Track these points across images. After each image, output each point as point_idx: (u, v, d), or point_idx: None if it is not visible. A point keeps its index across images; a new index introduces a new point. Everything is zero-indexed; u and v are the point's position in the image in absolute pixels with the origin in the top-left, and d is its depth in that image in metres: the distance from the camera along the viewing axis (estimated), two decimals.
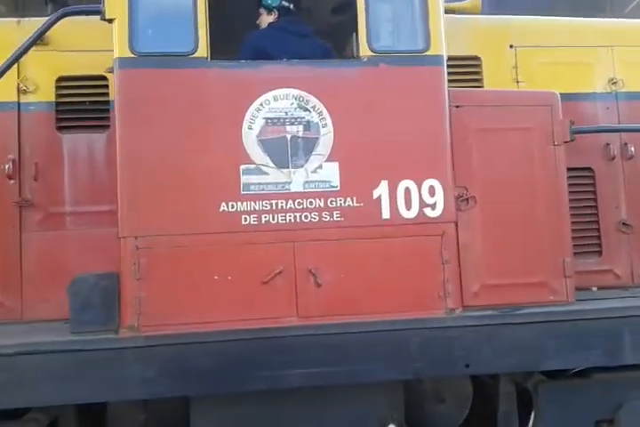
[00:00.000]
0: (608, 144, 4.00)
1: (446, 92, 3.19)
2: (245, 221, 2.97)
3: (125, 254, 2.90)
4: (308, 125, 3.05)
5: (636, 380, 3.29)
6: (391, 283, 3.03)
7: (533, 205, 3.26)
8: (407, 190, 3.08)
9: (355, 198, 3.05)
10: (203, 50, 3.04)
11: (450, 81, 3.79)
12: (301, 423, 3.14)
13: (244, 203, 2.97)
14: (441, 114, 3.16)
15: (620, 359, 3.12)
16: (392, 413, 3.14)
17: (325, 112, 3.07)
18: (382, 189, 3.06)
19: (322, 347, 2.92)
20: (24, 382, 2.79)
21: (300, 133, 3.05)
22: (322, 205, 3.02)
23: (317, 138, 3.05)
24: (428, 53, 3.17)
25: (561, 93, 3.84)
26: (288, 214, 3.00)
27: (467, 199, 3.20)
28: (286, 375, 2.89)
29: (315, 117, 3.06)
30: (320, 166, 3.04)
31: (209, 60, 3.05)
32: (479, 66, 4.02)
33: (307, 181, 3.03)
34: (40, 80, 3.66)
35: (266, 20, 3.43)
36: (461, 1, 4.04)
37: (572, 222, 3.82)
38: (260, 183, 3.00)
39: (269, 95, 3.04)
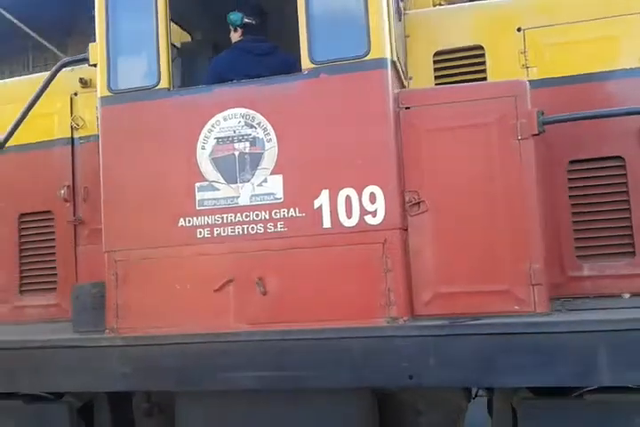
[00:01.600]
0: None
1: (390, 96, 3.10)
2: (200, 234, 3.26)
3: (107, 266, 3.39)
4: (254, 142, 3.23)
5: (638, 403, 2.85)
6: (334, 291, 3.06)
7: (493, 206, 3.00)
8: (347, 198, 3.08)
9: (297, 209, 3.14)
10: (165, 81, 3.39)
11: (451, 75, 3.70)
12: (274, 424, 3.31)
13: (199, 218, 3.26)
14: (383, 118, 3.09)
15: (592, 380, 2.74)
16: (363, 421, 3.15)
17: (270, 127, 3.22)
18: (323, 199, 3.11)
19: (267, 352, 3.08)
20: (41, 371, 3.42)
21: (247, 150, 3.23)
22: (267, 216, 3.18)
23: (262, 153, 3.21)
24: (367, 58, 3.12)
25: (579, 74, 3.48)
26: (237, 227, 3.21)
27: (417, 204, 3.08)
28: (238, 378, 3.10)
29: (260, 133, 3.23)
30: (265, 180, 3.20)
31: (170, 90, 3.40)
32: (482, 55, 3.76)
33: (253, 195, 3.21)
34: (87, 116, 4.35)
35: (233, 37, 3.66)
36: None
37: (597, 220, 3.44)
38: (212, 199, 3.26)
39: (220, 116, 3.29)
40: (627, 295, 3.41)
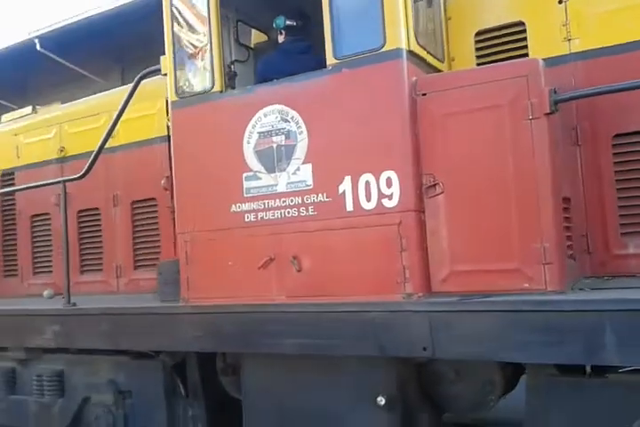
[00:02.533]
0: None
1: (407, 84, 3.26)
2: (247, 218, 3.71)
3: (180, 246, 3.99)
4: (288, 134, 3.59)
5: None
6: (357, 269, 3.35)
7: (506, 187, 3.06)
8: (367, 183, 3.32)
9: (325, 194, 3.46)
10: (218, 85, 3.87)
11: (492, 54, 3.75)
12: (313, 384, 3.69)
13: (246, 204, 3.71)
14: (399, 107, 3.26)
15: (598, 359, 2.75)
16: (384, 387, 3.43)
17: (301, 121, 3.55)
18: (346, 184, 3.38)
19: (302, 322, 3.47)
20: (134, 333, 4.15)
21: (283, 142, 3.60)
22: (300, 201, 3.53)
23: (295, 144, 3.56)
24: (383, 50, 3.30)
25: (624, 43, 3.37)
26: (276, 211, 3.62)
27: (434, 186, 3.23)
28: (279, 344, 3.54)
29: (293, 127, 3.57)
30: (298, 169, 3.55)
31: (222, 92, 3.86)
32: (524, 31, 3.71)
33: (288, 182, 3.58)
34: None
35: (279, 40, 4.01)
36: None
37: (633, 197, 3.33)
38: (256, 187, 3.69)
39: (261, 113, 3.69)
40: None
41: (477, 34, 3.83)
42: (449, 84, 3.23)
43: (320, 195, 3.46)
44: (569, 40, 3.56)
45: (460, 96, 3.18)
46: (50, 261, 5.76)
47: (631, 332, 2.64)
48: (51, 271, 5.75)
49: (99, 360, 4.62)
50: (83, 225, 5.58)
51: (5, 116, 6.55)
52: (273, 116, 3.63)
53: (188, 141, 4.00)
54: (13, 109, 7.43)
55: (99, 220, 5.49)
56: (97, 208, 5.49)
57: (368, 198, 3.31)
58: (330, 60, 3.47)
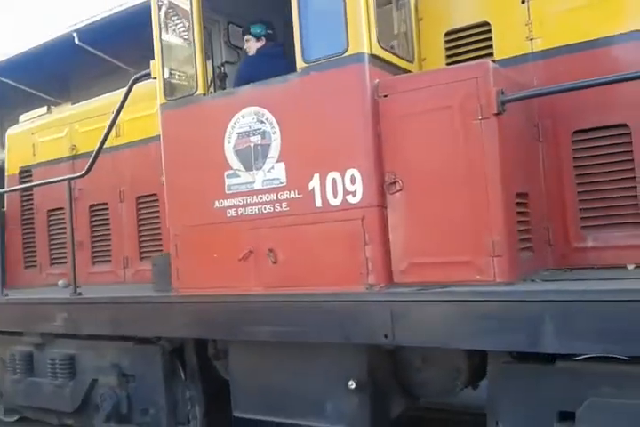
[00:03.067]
0: None
1: (369, 87, 3.45)
2: (229, 213, 3.97)
3: (170, 239, 4.28)
4: (263, 134, 3.82)
5: (605, 373, 2.95)
6: (326, 261, 3.57)
7: (459, 184, 3.23)
8: (333, 181, 3.54)
9: (296, 191, 3.68)
10: (201, 88, 4.12)
11: (460, 54, 3.91)
12: (292, 367, 3.92)
13: (228, 200, 3.97)
14: (361, 108, 3.46)
15: (538, 347, 2.92)
16: (355, 372, 3.66)
17: (275, 122, 3.77)
18: (315, 182, 3.60)
19: (276, 311, 3.72)
20: (132, 320, 4.48)
21: (259, 142, 3.84)
22: (274, 198, 3.77)
23: (270, 144, 3.79)
24: (346, 54, 3.49)
25: (585, 41, 3.50)
26: (254, 207, 3.86)
27: (394, 183, 3.42)
28: (258, 331, 3.81)
29: (268, 127, 3.80)
30: (272, 167, 3.78)
31: (205, 95, 4.11)
32: (489, 31, 3.85)
33: (264, 180, 3.82)
34: None
35: (254, 46, 4.23)
36: None
37: (602, 190, 3.47)
38: (236, 184, 3.94)
39: (239, 114, 3.92)
40: (631, 266, 3.38)
41: (447, 34, 3.99)
42: (407, 86, 3.41)
43: (292, 192, 3.69)
44: (531, 39, 3.69)
45: (417, 97, 3.35)
46: (65, 252, 6.14)
47: (567, 321, 2.80)
48: (66, 262, 6.13)
49: (105, 345, 4.97)
50: (94, 219, 5.94)
51: (23, 116, 6.94)
52: (250, 117, 3.86)
53: (175, 141, 4.27)
54: (54, 103, 7.87)
55: (107, 214, 5.84)
56: (106, 203, 5.84)
57: (334, 195, 3.52)
58: (299, 63, 3.67)
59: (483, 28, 3.85)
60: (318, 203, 3.59)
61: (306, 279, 3.64)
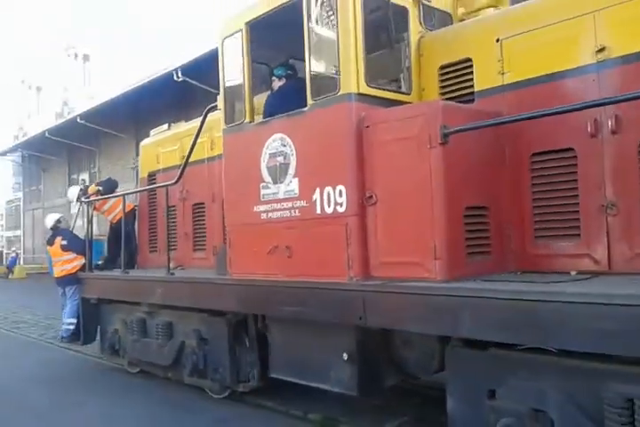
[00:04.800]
0: (594, 120, 3.84)
1: (355, 120, 4.33)
2: (262, 216, 5.09)
3: (227, 234, 5.51)
4: (285, 156, 4.86)
5: (521, 360, 3.57)
6: (323, 257, 4.55)
7: (414, 199, 4.01)
8: (328, 194, 4.48)
9: (305, 201, 4.69)
10: (248, 117, 5.26)
11: (450, 85, 4.67)
12: (306, 341, 4.92)
13: (262, 206, 5.09)
14: (349, 137, 4.34)
15: (458, 332, 3.65)
16: (347, 347, 4.60)
17: (292, 146, 4.80)
18: (317, 194, 4.58)
19: (292, 295, 4.76)
20: (199, 295, 5.79)
21: (282, 161, 4.89)
22: (290, 206, 4.81)
23: (289, 163, 4.83)
24: (339, 94, 4.41)
25: (545, 75, 4.11)
26: (278, 212, 4.94)
27: (371, 197, 4.28)
28: (279, 309, 4.90)
29: (288, 150, 4.84)
30: (290, 181, 4.82)
31: (250, 122, 5.26)
32: (471, 66, 4.51)
33: (285, 191, 4.87)
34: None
35: (276, 84, 5.28)
36: None
37: (552, 206, 4.06)
38: (266, 194, 5.04)
39: (270, 139, 5.01)
40: (574, 272, 3.92)
41: (441, 68, 4.70)
42: (382, 119, 4.23)
43: (302, 201, 4.69)
44: (502, 73, 4.29)
45: (389, 128, 4.17)
46: (175, 240, 7.69)
47: (477, 313, 3.51)
48: (176, 248, 7.69)
49: (191, 315, 6.36)
50: (195, 215, 7.38)
51: (153, 131, 8.65)
52: (277, 142, 4.93)
53: (231, 159, 5.47)
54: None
55: (204, 212, 7.25)
56: (203, 203, 7.25)
57: (329, 205, 4.47)
58: (309, 100, 4.65)
59: (466, 64, 4.50)
60: (318, 211, 4.55)
61: (311, 271, 4.63)
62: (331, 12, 4.49)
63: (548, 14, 4.08)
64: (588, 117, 3.81)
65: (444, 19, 5.07)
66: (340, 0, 4.42)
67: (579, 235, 3.90)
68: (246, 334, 5.95)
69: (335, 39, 4.44)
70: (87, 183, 16.33)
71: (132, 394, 6.69)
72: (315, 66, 4.62)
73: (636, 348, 2.81)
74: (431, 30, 4.94)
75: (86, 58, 46.28)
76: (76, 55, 45.77)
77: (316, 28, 4.61)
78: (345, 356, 4.54)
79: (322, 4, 4.57)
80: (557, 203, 3.99)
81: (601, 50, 3.79)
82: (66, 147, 29.01)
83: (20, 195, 39.08)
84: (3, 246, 43.53)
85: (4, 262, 35.34)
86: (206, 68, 14.78)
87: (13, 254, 35.09)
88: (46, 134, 27.34)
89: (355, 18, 4.39)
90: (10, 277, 32.38)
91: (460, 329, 3.61)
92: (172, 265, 7.35)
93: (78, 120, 24.21)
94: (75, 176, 30.93)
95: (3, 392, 6.95)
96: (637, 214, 3.65)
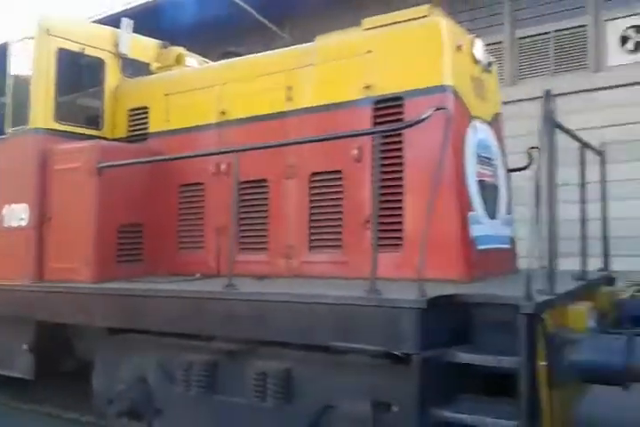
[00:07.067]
0: (216, 163, 5.09)
1: (38, 151, 5.23)
2: None
3: None
4: None
5: (136, 341, 4.65)
6: (10, 263, 5.36)
7: (77, 217, 5.01)
8: (14, 210, 5.33)
9: None
10: None
11: (135, 125, 5.70)
12: None
13: None
14: (33, 164, 5.25)
15: (92, 322, 4.70)
16: (27, 339, 5.40)
17: None
18: (5, 210, 5.40)
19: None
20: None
21: None
22: None
23: None
24: (27, 128, 5.32)
25: (186, 127, 5.28)
26: None
27: (47, 214, 5.22)
28: None
29: None
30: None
31: None
32: (147, 112, 5.65)
33: None
34: None
35: None
36: None
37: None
38: None
39: None
40: (198, 275, 5.10)
41: (130, 110, 5.81)
42: (60, 151, 5.21)
43: None
44: (167, 121, 5.48)
45: (63, 159, 5.15)
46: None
47: (107, 306, 4.56)
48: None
49: None
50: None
51: None
52: None
53: None
54: None
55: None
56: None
57: (14, 219, 5.32)
58: (8, 128, 5.48)
59: (145, 110, 5.66)
60: (6, 224, 5.39)
61: (2, 274, 5.41)
62: (28, 59, 5.39)
63: (195, 81, 5.38)
64: (212, 162, 5.08)
65: (143, 68, 6.18)
66: (35, 49, 5.35)
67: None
68: None
69: (29, 82, 5.35)
70: None
71: None
72: (14, 101, 5.47)
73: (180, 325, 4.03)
74: (131, 77, 6.03)
75: None
76: None
77: (17, 70, 5.48)
78: (25, 346, 5.37)
79: (23, 51, 5.46)
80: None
81: (223, 112, 5.12)
82: None
83: None
84: None
85: None
86: None
87: None
88: None
89: (47, 66, 5.35)
90: None
91: (96, 320, 4.66)
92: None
93: None
94: None
95: None
96: None
